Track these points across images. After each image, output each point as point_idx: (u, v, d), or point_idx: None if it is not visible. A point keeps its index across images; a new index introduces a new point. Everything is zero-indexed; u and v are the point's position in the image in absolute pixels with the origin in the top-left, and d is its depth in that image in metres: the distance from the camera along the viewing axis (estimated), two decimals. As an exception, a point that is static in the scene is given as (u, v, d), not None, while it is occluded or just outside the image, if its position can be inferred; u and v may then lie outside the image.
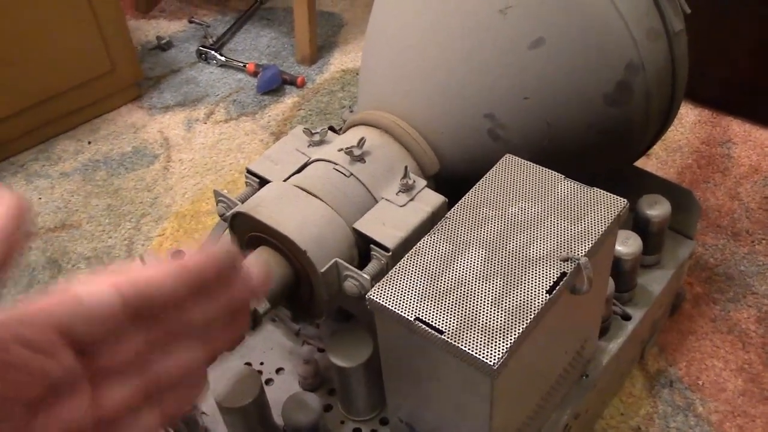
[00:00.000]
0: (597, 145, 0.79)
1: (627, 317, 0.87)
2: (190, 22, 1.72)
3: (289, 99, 1.50)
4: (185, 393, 0.33)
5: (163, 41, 1.66)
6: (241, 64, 1.57)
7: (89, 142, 1.44)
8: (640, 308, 0.88)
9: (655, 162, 1.27)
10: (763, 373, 0.98)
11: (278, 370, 0.85)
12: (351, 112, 0.99)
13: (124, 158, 1.40)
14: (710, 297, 1.07)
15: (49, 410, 0.29)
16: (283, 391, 0.81)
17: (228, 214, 0.73)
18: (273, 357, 0.86)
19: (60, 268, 1.20)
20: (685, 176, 1.25)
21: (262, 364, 0.85)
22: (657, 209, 0.87)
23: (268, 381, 0.84)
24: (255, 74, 1.54)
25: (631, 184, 0.94)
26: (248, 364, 0.85)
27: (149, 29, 1.73)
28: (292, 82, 1.52)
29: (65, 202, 1.32)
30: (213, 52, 1.60)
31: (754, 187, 1.22)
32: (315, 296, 0.70)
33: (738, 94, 1.33)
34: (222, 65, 1.60)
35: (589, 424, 0.91)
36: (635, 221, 0.89)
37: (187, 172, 1.35)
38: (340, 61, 1.60)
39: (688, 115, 1.35)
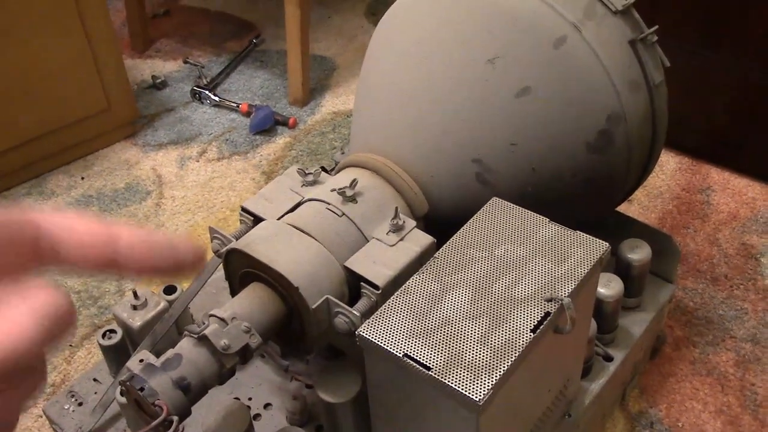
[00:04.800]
0: (579, 191, 0.82)
1: (609, 358, 0.89)
2: (185, 62, 1.75)
3: (281, 139, 1.53)
4: None
5: (158, 80, 1.69)
6: (235, 105, 1.61)
7: (82, 178, 1.46)
8: (621, 349, 0.91)
9: (636, 207, 1.31)
10: (741, 415, 1.00)
11: (266, 406, 0.86)
12: (342, 153, 1.02)
13: (116, 194, 1.42)
14: (690, 340, 1.09)
15: None
16: (270, 427, 0.83)
17: (223, 250, 0.75)
18: (261, 392, 0.87)
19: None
20: (666, 221, 1.28)
21: (250, 399, 0.86)
22: (638, 253, 0.90)
23: (256, 416, 0.85)
24: (248, 114, 1.58)
25: (613, 228, 0.97)
26: (236, 399, 0.86)
27: (145, 68, 1.76)
28: (284, 123, 1.55)
29: (57, 237, 1.33)
30: (207, 92, 1.64)
31: (732, 233, 1.26)
32: (306, 332, 0.71)
33: (716, 144, 1.37)
34: (216, 105, 1.63)
35: (571, 463, 0.92)
36: (617, 264, 0.91)
37: (179, 209, 1.37)
38: (331, 103, 1.63)
39: (669, 162, 1.39)
